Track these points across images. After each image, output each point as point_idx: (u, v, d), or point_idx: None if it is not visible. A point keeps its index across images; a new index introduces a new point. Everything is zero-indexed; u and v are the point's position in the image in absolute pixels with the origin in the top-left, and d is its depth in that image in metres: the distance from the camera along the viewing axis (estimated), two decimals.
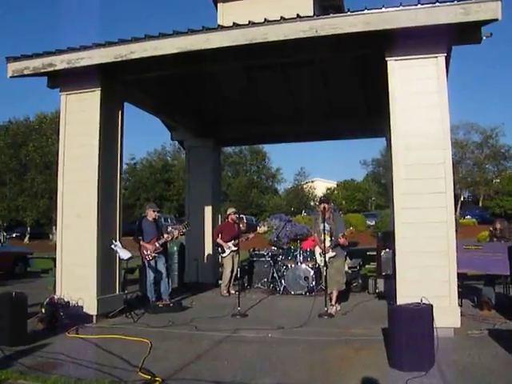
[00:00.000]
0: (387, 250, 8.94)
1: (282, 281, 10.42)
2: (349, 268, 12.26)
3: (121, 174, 8.15)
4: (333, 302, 7.87)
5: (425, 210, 6.22)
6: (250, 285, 11.50)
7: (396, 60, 6.50)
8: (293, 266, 10.39)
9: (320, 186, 54.54)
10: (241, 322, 7.29)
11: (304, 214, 37.86)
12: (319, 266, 8.31)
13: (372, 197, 53.83)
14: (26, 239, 34.32)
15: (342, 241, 7.70)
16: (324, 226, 7.82)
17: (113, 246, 7.57)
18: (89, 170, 7.53)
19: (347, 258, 13.93)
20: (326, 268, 7.82)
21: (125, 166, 50.48)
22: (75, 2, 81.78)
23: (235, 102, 11.67)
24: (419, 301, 5.25)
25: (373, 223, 31.49)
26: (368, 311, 8.01)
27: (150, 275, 8.91)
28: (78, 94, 7.76)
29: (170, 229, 9.80)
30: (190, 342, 6.10)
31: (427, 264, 6.11)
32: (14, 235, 37.31)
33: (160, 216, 11.12)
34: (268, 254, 11.60)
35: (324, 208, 7.83)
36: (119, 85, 8.05)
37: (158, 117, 10.95)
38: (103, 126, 7.66)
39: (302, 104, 11.49)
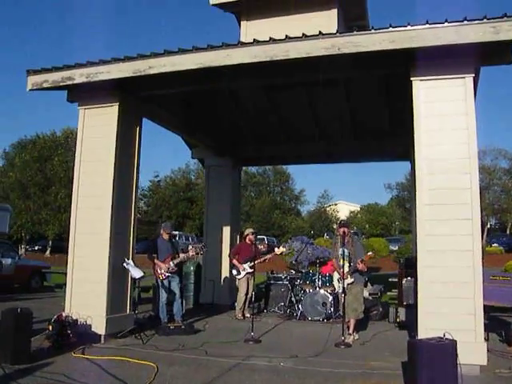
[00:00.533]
0: (409, 278, 8.53)
1: (300, 306, 10.08)
2: (369, 294, 11.90)
3: (136, 190, 8.03)
4: (350, 331, 7.52)
5: (449, 238, 5.88)
6: (267, 308, 11.20)
7: (421, 80, 6.23)
8: (311, 290, 10.06)
9: (343, 209, 54.00)
10: (253, 349, 6.99)
11: (326, 236, 37.30)
12: (338, 292, 7.99)
13: (396, 221, 52.97)
14: (48, 252, 34.53)
15: (360, 266, 7.38)
16: (343, 251, 7.52)
17: (125, 265, 7.40)
18: (103, 186, 7.41)
19: (368, 284, 13.56)
20: (344, 295, 7.49)
21: (148, 183, 50.99)
22: (94, 17, 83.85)
23: (256, 121, 11.52)
24: (442, 335, 4.92)
25: (396, 248, 30.79)
26: (388, 342, 7.62)
27: (163, 295, 8.70)
28: (95, 108, 7.70)
29: (190, 247, 9.58)
30: (197, 368, 5.82)
31: (451, 295, 5.74)
32: (36, 248, 37.54)
33: (181, 235, 10.82)
34: (286, 277, 11.31)
35: (343, 232, 7.54)
36: (138, 100, 7.97)
37: (177, 134, 10.85)
38: (120, 141, 7.56)
39: (324, 125, 11.27)
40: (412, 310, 8.30)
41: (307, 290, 10.25)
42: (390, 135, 11.03)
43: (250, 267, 9.90)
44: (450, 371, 4.37)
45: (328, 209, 54.62)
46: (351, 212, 53.42)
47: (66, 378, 5.14)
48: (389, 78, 8.23)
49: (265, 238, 38.11)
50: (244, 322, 9.50)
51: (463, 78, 6.05)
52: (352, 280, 7.51)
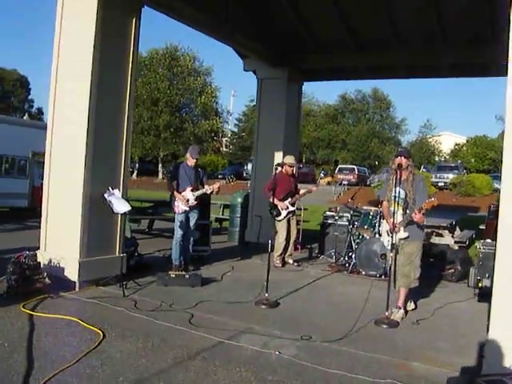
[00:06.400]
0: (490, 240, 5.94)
1: (353, 255, 8.03)
2: (455, 243, 9.58)
3: (131, 99, 6.21)
4: (399, 304, 5.39)
5: None
6: (323, 253, 9.28)
7: None
8: (368, 237, 7.94)
9: (447, 141, 49.15)
10: (259, 317, 5.17)
11: (423, 169, 33.82)
12: (386, 248, 5.78)
13: None
14: (134, 175, 34.70)
15: (417, 217, 5.06)
16: (398, 193, 5.28)
17: (106, 195, 5.75)
18: (80, 93, 5.68)
19: (457, 229, 11.07)
20: (396, 253, 5.32)
21: (244, 108, 49.37)
22: None
23: (317, 22, 9.11)
24: None
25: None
26: (455, 322, 5.41)
27: (178, 232, 7.12)
28: None
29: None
30: (156, 347, 4.12)
31: None
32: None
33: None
34: (346, 217, 9.18)
35: (399, 165, 5.23)
36: None
37: (213, 37, 8.70)
38: (103, 36, 5.71)
39: (404, 28, 8.59)
40: None
41: (365, 236, 8.16)
42: (491, 40, 8.12)
43: (292, 204, 7.96)
44: None
45: (430, 140, 50.00)
46: (456, 144, 48.30)
47: None
48: None
49: (355, 167, 35.43)
50: (280, 272, 7.73)
51: None
52: (406, 234, 5.27)
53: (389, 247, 5.40)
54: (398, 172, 5.23)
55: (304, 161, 50.97)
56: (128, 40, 6.08)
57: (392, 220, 5.15)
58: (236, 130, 51.18)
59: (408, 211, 5.21)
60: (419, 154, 48.11)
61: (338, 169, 35.53)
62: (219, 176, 28.12)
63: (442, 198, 24.98)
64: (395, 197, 5.22)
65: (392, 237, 5.21)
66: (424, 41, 8.62)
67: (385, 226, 5.60)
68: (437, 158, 48.33)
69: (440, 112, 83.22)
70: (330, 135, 51.75)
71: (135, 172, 35.20)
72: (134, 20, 6.12)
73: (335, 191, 26.41)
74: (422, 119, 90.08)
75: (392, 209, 5.21)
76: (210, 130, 35.30)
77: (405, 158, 5.27)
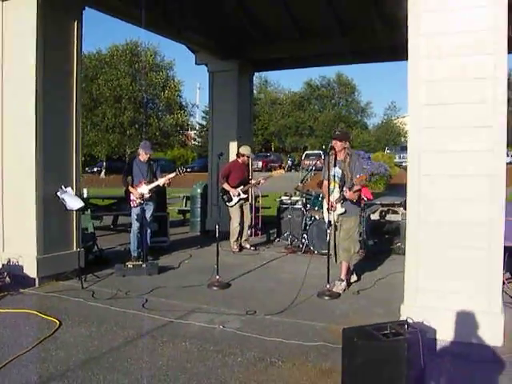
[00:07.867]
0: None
1: (305, 236, 8.43)
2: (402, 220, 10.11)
3: (78, 99, 6.42)
4: (342, 276, 5.82)
5: (457, 156, 3.89)
6: (279, 237, 9.68)
7: None
8: (318, 218, 8.34)
9: None
10: (209, 298, 5.53)
11: (387, 151, 34.57)
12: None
13: None
14: (103, 174, 34.49)
15: (348, 194, 5.51)
16: (335, 172, 5.70)
17: (59, 193, 5.98)
18: (26, 94, 5.88)
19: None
20: (335, 230, 5.75)
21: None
22: None
23: (262, 13, 9.43)
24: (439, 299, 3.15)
25: None
26: (394, 290, 5.74)
27: (134, 225, 7.43)
28: None
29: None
30: (108, 330, 4.43)
31: (454, 243, 3.85)
32: (94, 170, 37.13)
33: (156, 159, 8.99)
34: (301, 200, 9.57)
35: (332, 147, 5.63)
36: None
37: (161, 35, 8.95)
38: (45, 38, 5.89)
39: (346, 14, 8.98)
40: None
41: (317, 217, 8.56)
42: None
43: (244, 192, 8.33)
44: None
45: (396, 121, 50.95)
46: None
47: None
48: None
49: (321, 153, 35.78)
50: (236, 256, 8.12)
51: None
52: (343, 210, 5.69)
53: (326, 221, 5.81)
54: (333, 153, 5.64)
55: (273, 149, 51.48)
56: (71, 41, 6.28)
57: (328, 197, 5.56)
58: (204, 122, 51.20)
59: (344, 188, 5.61)
60: (385, 136, 49.08)
61: (304, 155, 35.98)
62: (188, 169, 28.20)
63: (405, 178, 25.86)
64: (333, 176, 5.63)
65: (329, 213, 5.62)
66: (364, 26, 9.00)
67: (325, 204, 5.99)
68: (403, 139, 49.22)
69: (404, 94, 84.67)
70: (297, 122, 52.23)
71: (103, 171, 34.99)
72: (75, 22, 6.33)
73: (302, 177, 26.90)
74: (386, 102, 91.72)
75: (331, 187, 5.60)
76: (176, 124, 35.40)
77: (339, 141, 5.66)
